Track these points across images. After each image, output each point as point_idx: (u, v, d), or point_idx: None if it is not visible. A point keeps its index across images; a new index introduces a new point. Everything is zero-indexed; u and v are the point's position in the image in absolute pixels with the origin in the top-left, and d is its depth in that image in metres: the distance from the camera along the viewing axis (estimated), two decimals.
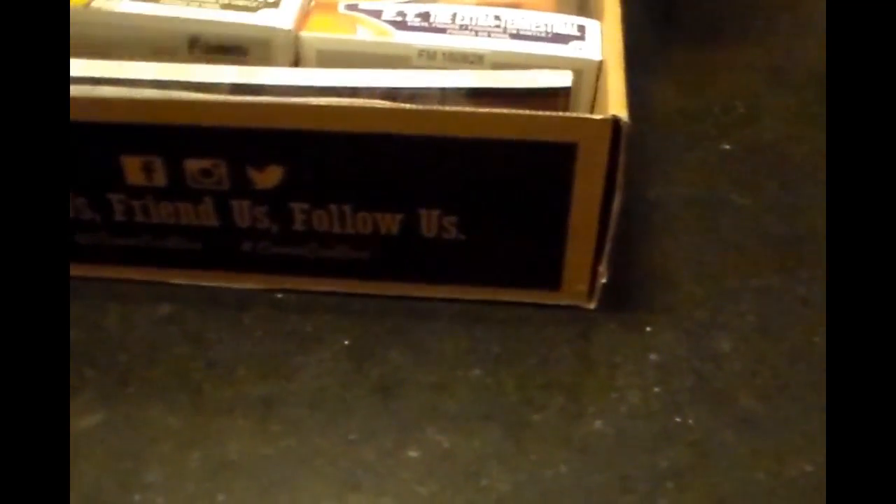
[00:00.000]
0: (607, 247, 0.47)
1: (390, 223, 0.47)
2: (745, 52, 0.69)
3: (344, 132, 0.44)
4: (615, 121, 0.43)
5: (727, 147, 0.60)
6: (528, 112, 0.43)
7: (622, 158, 0.44)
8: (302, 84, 0.46)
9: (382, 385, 0.46)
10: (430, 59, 0.48)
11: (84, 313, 0.49)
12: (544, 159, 0.44)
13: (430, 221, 0.47)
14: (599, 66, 0.48)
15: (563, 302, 0.50)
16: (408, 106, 0.44)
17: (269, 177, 0.46)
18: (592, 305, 0.50)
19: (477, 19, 0.50)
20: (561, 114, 0.44)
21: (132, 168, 0.47)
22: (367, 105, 0.44)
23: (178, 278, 0.51)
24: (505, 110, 0.43)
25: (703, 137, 0.60)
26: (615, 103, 0.43)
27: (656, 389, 0.46)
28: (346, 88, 0.46)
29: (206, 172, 0.46)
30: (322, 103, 0.44)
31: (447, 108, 0.44)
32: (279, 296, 0.50)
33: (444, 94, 0.46)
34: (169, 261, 0.50)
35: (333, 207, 0.47)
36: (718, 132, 0.61)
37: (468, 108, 0.43)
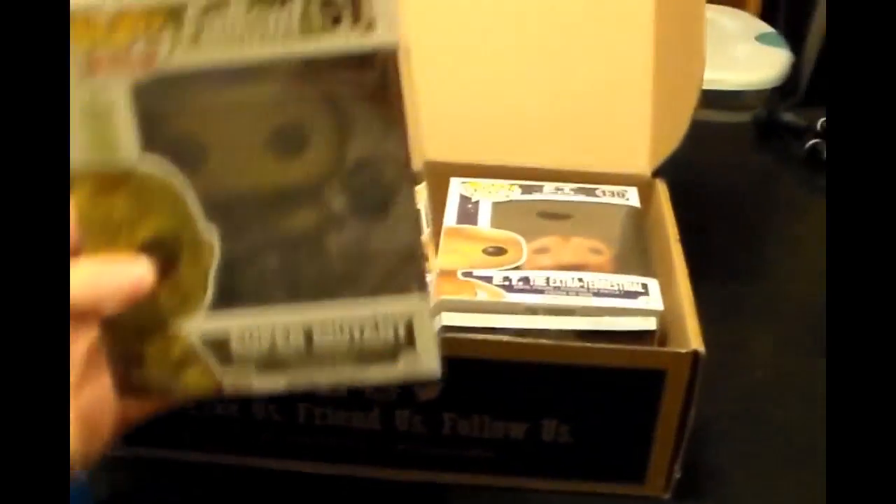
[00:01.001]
0: (682, 450, 0.62)
1: (518, 430, 0.62)
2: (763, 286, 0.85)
3: (491, 359, 0.59)
4: (695, 354, 0.58)
5: (759, 376, 0.75)
6: (629, 347, 0.59)
7: (698, 382, 0.59)
8: (458, 324, 0.61)
9: None
10: (533, 313, 0.63)
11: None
12: (640, 382, 0.59)
13: (550, 429, 0.61)
14: (661, 314, 0.63)
15: (646, 493, 0.64)
16: (543, 341, 0.59)
17: (429, 391, 0.61)
18: (668, 496, 0.64)
19: (566, 282, 0.65)
20: (655, 348, 0.60)
21: None
22: (508, 340, 0.59)
23: (344, 471, 0.64)
24: (612, 345, 0.59)
25: (739, 367, 0.76)
26: (694, 339, 0.59)
27: None
28: (486, 328, 0.61)
29: (380, 388, 0.61)
30: (477, 338, 0.60)
31: (569, 343, 0.59)
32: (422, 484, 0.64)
33: (560, 334, 0.61)
34: (336, 456, 0.64)
35: (475, 417, 0.62)
36: (750, 362, 0.77)
37: (586, 344, 0.59)
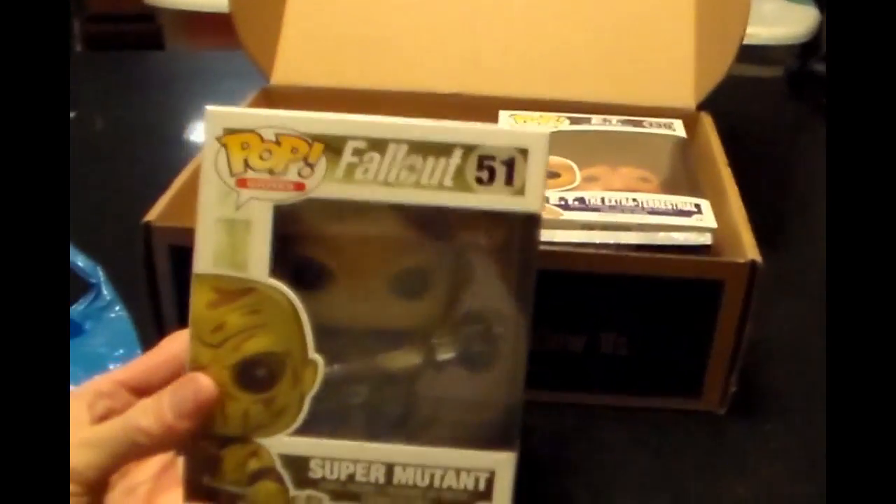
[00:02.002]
0: (738, 363, 0.63)
1: (577, 343, 0.63)
2: None
3: (550, 270, 0.60)
4: (753, 263, 0.59)
5: (805, 302, 0.76)
6: (687, 257, 0.60)
7: (755, 292, 0.60)
8: None
9: (574, 466, 0.60)
10: (590, 229, 0.64)
11: None
12: (698, 294, 0.60)
13: (608, 342, 0.62)
14: (715, 233, 0.64)
15: (702, 408, 0.65)
16: (602, 251, 0.60)
17: None
18: (723, 411, 0.65)
19: (621, 201, 0.66)
20: (713, 258, 0.61)
21: None
22: (567, 250, 0.60)
23: None
24: (670, 255, 0.60)
25: (787, 292, 0.77)
26: (750, 250, 0.60)
27: (778, 466, 0.61)
28: (544, 242, 0.62)
29: None
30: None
31: (628, 253, 0.60)
32: None
33: (618, 248, 0.62)
34: None
35: (535, 330, 0.62)
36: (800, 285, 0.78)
37: (647, 254, 0.60)
